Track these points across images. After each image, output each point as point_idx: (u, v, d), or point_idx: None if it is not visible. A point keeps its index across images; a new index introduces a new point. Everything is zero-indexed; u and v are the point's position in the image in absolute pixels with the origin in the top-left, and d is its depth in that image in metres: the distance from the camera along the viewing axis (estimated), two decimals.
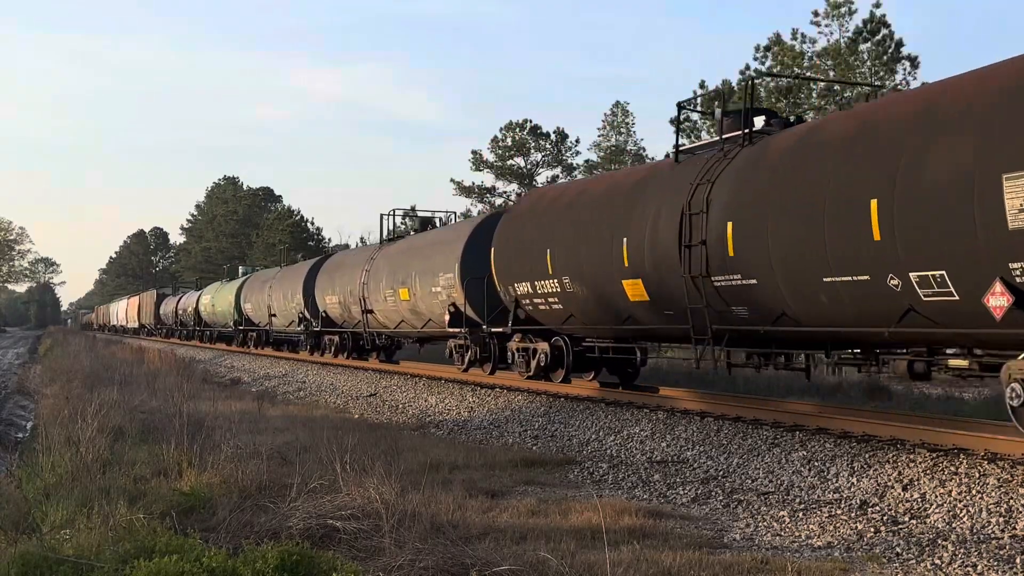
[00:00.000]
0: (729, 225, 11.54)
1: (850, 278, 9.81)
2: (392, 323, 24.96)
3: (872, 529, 7.99)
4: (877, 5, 33.99)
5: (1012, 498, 8.26)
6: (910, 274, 9.07)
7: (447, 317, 20.17)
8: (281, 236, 73.77)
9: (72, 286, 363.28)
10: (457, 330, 20.12)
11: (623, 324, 14.60)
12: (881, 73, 34.02)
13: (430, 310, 21.51)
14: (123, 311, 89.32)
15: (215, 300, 49.25)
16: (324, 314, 30.27)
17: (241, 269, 53.41)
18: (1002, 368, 9.00)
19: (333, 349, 30.64)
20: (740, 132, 12.61)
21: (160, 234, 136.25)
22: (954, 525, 8.01)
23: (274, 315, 36.68)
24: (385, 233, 27.84)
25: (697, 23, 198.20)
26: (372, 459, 9.28)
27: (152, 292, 77.14)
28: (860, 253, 9.57)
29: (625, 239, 13.74)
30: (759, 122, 12.66)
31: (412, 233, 26.72)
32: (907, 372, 10.71)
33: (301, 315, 32.44)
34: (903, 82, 33.83)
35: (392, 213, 28.81)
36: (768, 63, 36.53)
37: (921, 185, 8.87)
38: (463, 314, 19.68)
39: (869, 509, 8.72)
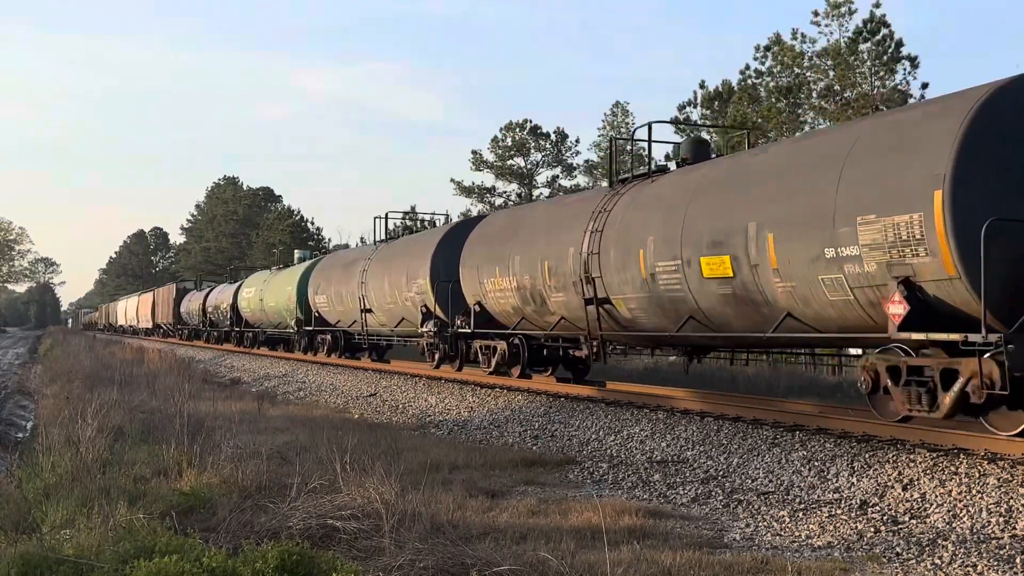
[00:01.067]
0: None
1: None
2: (672, 313, 13.85)
3: (872, 529, 7.99)
4: (877, 5, 34.00)
5: (1012, 498, 8.26)
6: None
7: (895, 307, 9.79)
8: (281, 236, 73.80)
9: (72, 286, 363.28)
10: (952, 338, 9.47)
11: None
12: (881, 73, 34.04)
13: (836, 290, 10.68)
14: (133, 309, 78.79)
15: (264, 293, 37.96)
16: (478, 308, 19.95)
17: (298, 253, 41.14)
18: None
19: (494, 361, 19.76)
20: None
21: (160, 234, 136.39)
22: (954, 525, 8.01)
23: (369, 310, 26.43)
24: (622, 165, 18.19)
25: (697, 23, 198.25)
26: (372, 459, 9.28)
27: (170, 286, 64.99)
28: None
29: None
30: None
31: (675, 166, 15.63)
32: None
33: (426, 310, 22.29)
34: (903, 82, 33.86)
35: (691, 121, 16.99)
36: (768, 63, 36.56)
37: None
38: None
39: (869, 509, 8.72)
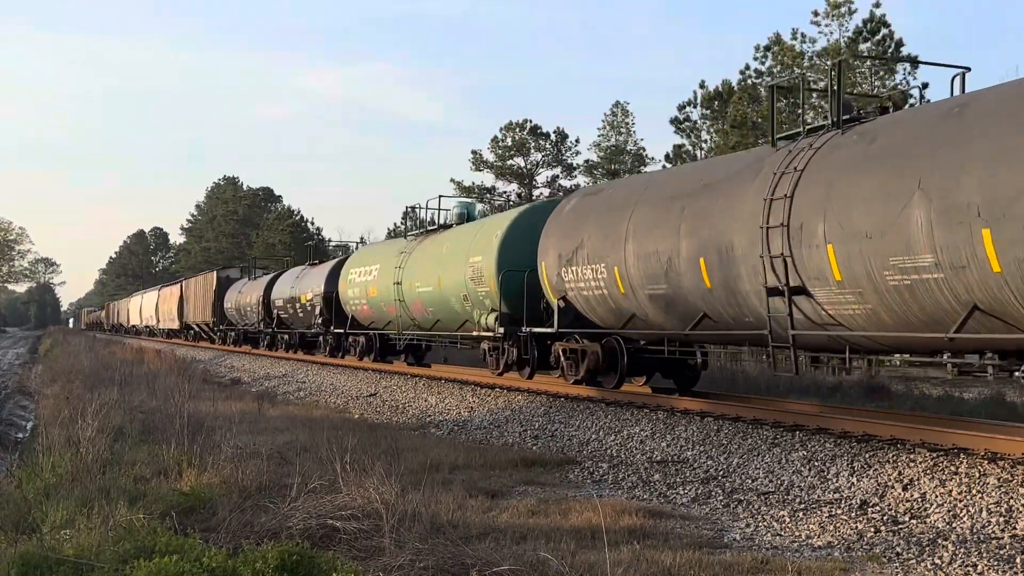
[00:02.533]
0: None
1: None
2: None
3: (872, 529, 7.99)
4: (877, 5, 34.04)
5: (1012, 498, 8.26)
6: None
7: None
8: (281, 236, 73.82)
9: (72, 286, 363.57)
10: None
11: None
12: (881, 73, 34.04)
13: None
14: (151, 306, 65.50)
15: (404, 273, 22.77)
16: None
17: (456, 208, 23.45)
18: None
19: None
20: None
21: (160, 234, 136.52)
22: (954, 525, 8.01)
23: (800, 291, 11.07)
24: None
25: (697, 23, 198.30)
26: (372, 459, 9.28)
27: (208, 275, 50.13)
28: None
29: None
30: None
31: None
32: None
33: None
34: (903, 82, 33.85)
35: None
36: (768, 63, 36.58)
37: None
38: None
39: (869, 509, 8.72)
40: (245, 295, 41.31)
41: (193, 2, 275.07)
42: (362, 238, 32.33)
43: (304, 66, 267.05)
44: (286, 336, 35.96)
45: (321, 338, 31.53)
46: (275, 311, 36.14)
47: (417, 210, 26.05)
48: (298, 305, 32.81)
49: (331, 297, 29.11)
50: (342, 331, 28.60)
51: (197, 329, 52.16)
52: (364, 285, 26.14)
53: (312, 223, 78.87)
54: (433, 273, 21.32)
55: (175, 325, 56.78)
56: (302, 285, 32.81)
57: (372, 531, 7.24)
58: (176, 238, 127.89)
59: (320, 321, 30.44)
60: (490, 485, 10.01)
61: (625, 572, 6.34)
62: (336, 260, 31.46)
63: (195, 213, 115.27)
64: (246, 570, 6.04)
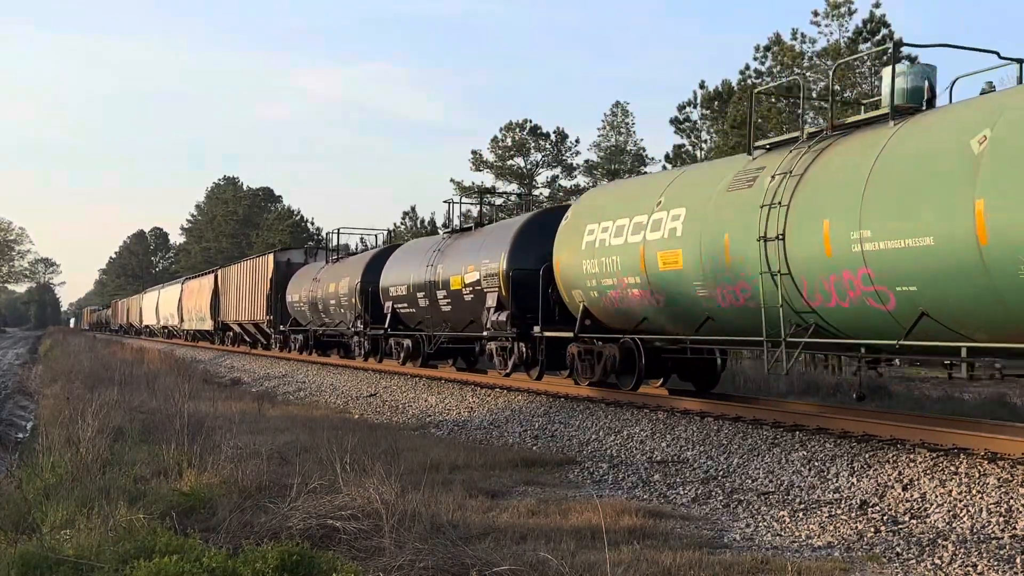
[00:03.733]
0: None
1: None
2: None
3: (872, 529, 7.99)
4: (877, 5, 34.07)
5: (1012, 498, 8.26)
6: None
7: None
8: (281, 236, 73.86)
9: (72, 286, 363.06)
10: None
11: None
12: (881, 73, 34.07)
13: None
14: (171, 303, 55.00)
15: (793, 214, 11.06)
16: None
17: (896, 76, 11.48)
18: None
19: None
20: None
21: (160, 234, 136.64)
22: (954, 525, 8.01)
23: None
24: None
25: (697, 23, 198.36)
26: (372, 459, 9.28)
27: (263, 258, 38.47)
28: None
29: None
30: None
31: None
32: None
33: None
34: None
35: None
36: (768, 63, 36.62)
37: None
38: None
39: (869, 509, 8.72)
40: (324, 283, 29.73)
41: (193, 2, 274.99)
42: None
43: (304, 66, 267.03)
44: (407, 342, 24.09)
45: (493, 346, 19.36)
46: (387, 304, 24.51)
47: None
48: (440, 294, 21.09)
49: (537, 279, 17.09)
50: (569, 334, 16.23)
51: (239, 330, 40.79)
52: (632, 251, 14.28)
53: (312, 223, 79.06)
54: (935, 207, 9.58)
55: (206, 326, 45.44)
56: (451, 263, 20.79)
57: (372, 531, 7.24)
58: (176, 238, 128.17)
59: (502, 319, 18.16)
60: (490, 485, 10.01)
61: (625, 572, 6.35)
62: (529, 215, 19.47)
63: (195, 213, 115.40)
64: (246, 570, 6.04)
